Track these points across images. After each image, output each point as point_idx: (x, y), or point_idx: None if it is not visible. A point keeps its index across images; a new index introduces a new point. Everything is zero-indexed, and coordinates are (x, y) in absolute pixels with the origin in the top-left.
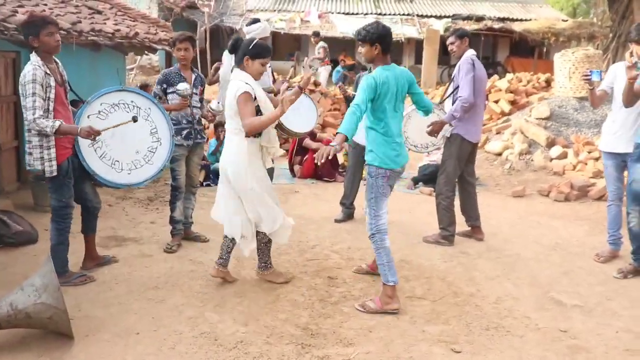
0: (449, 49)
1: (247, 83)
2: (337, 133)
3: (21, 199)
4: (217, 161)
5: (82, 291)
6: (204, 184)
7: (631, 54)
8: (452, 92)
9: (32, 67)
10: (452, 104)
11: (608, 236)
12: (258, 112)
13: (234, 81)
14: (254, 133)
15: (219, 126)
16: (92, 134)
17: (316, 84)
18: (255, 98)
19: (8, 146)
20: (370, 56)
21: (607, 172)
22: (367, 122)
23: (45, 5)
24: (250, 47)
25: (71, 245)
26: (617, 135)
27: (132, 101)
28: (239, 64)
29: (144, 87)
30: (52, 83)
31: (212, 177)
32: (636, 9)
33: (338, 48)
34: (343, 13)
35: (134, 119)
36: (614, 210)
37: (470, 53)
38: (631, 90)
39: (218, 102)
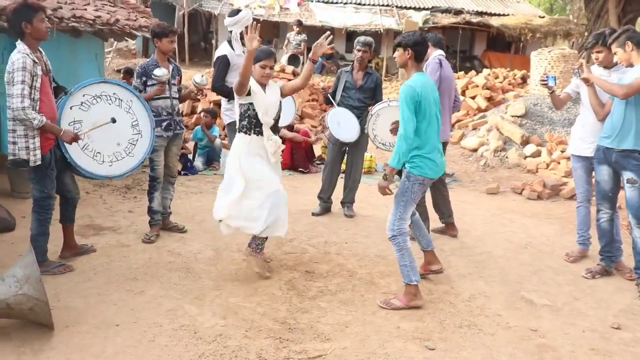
0: None
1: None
2: (386, 164)
3: None
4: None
5: (61, 281)
6: (182, 172)
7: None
8: None
9: (22, 55)
10: None
11: (577, 236)
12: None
13: None
14: (240, 88)
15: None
16: (74, 140)
17: (294, 73)
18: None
19: None
20: (403, 60)
21: (576, 175)
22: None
23: None
24: None
25: (50, 233)
26: (585, 139)
27: (114, 93)
28: None
29: (129, 71)
30: (39, 72)
31: (190, 165)
32: (611, 9)
33: (317, 37)
34: (323, 2)
35: (113, 120)
36: (583, 212)
37: (437, 53)
38: (595, 96)
39: (202, 76)
